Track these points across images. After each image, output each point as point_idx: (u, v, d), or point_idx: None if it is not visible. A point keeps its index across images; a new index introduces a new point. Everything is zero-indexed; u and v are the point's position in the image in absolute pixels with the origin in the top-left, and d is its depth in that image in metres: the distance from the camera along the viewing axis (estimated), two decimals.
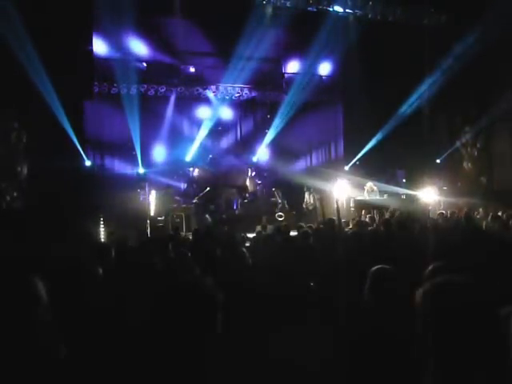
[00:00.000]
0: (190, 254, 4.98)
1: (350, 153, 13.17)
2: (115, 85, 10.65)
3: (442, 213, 8.13)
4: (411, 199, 11.37)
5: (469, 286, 1.53)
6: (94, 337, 2.18)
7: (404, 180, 12.59)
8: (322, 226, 6.07)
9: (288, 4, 11.17)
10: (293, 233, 6.73)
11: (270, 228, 7.43)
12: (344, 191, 11.55)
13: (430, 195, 11.51)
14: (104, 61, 9.83)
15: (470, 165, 13.00)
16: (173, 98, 11.60)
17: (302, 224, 6.83)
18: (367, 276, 2.60)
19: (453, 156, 13.11)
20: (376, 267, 2.49)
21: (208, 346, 1.62)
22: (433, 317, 1.50)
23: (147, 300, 2.34)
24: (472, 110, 12.08)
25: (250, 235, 7.28)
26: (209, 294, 1.62)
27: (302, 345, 2.51)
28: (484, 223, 6.60)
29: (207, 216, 9.97)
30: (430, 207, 10.90)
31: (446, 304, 1.50)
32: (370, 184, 11.10)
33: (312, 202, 11.43)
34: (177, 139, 11.77)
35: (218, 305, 1.63)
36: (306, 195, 11.52)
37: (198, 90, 11.74)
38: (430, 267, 2.73)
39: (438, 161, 13.21)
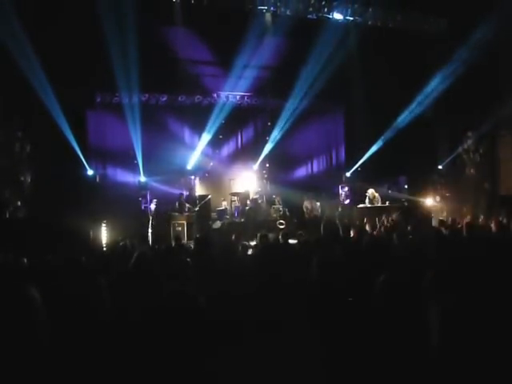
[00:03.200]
0: (191, 262, 4.99)
1: (351, 159, 13.16)
2: (117, 94, 10.73)
3: (443, 220, 8.10)
4: (413, 206, 11.33)
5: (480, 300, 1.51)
6: (92, 345, 2.19)
7: (406, 186, 12.56)
8: (322, 234, 6.07)
9: (288, 12, 11.24)
10: (293, 240, 6.72)
11: (270, 236, 7.42)
12: (344, 198, 11.56)
13: (432, 201, 11.49)
14: (106, 70, 9.89)
15: (472, 170, 12.96)
16: (174, 107, 11.66)
17: (302, 232, 6.82)
18: (370, 284, 2.60)
19: (455, 162, 13.07)
20: (381, 275, 2.49)
21: (199, 354, 1.63)
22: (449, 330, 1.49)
23: (142, 310, 2.35)
24: (474, 116, 12.06)
25: (252, 243, 7.27)
26: (191, 304, 1.64)
27: (301, 352, 2.51)
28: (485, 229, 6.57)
29: (209, 223, 10.01)
30: (432, 214, 10.87)
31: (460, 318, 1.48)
32: (371, 191, 11.08)
33: (313, 209, 11.41)
34: (178, 147, 11.80)
35: (201, 313, 1.63)
36: (307, 202, 11.51)
37: (198, 99, 11.80)
38: (430, 274, 2.73)
39: (440, 167, 13.18)
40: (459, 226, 7.13)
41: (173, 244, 7.33)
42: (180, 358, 1.59)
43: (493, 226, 6.66)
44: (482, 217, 8.70)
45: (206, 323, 1.71)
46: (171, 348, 1.61)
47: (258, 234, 6.28)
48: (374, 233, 6.86)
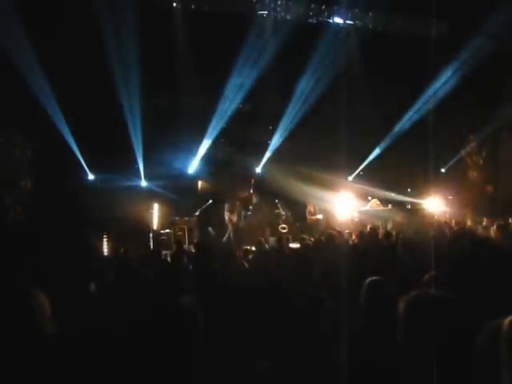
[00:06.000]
0: (191, 268, 4.96)
1: (353, 163, 13.12)
2: (118, 98, 10.70)
3: (446, 222, 8.04)
4: (416, 209, 11.31)
5: (443, 299, 1.57)
6: (91, 349, 2.17)
7: (409, 189, 12.51)
8: (322, 238, 6.03)
9: (288, 16, 11.25)
10: (295, 245, 6.70)
11: (271, 240, 7.40)
12: (348, 202, 11.53)
13: (434, 205, 11.44)
14: (107, 74, 9.89)
15: (475, 173, 12.90)
16: (175, 111, 11.64)
17: (304, 236, 6.79)
18: (363, 287, 2.58)
19: (458, 165, 13.01)
20: (370, 279, 2.49)
21: (192, 363, 1.60)
22: (410, 327, 1.54)
23: (137, 317, 2.32)
24: (476, 119, 12.02)
25: (253, 248, 7.24)
26: (184, 314, 1.60)
27: (298, 355, 2.49)
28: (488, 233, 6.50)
29: (210, 229, 9.99)
30: (435, 217, 10.81)
31: (421, 316, 1.55)
32: (374, 200, 11.15)
33: (316, 213, 11.39)
34: (179, 152, 11.79)
35: (195, 323, 1.60)
36: (310, 206, 11.48)
37: (199, 102, 11.78)
38: (426, 277, 2.71)
39: (442, 170, 13.12)
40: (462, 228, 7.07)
41: (174, 249, 7.31)
42: (170, 370, 1.55)
43: (495, 228, 6.59)
44: (484, 220, 8.62)
45: (201, 334, 1.67)
46: (161, 359, 1.58)
47: (257, 240, 6.27)
48: (377, 236, 6.81)
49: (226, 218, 10.72)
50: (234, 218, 10.80)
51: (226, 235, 10.37)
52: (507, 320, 1.38)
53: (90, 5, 9.10)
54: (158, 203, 10.78)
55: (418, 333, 1.56)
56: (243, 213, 11.40)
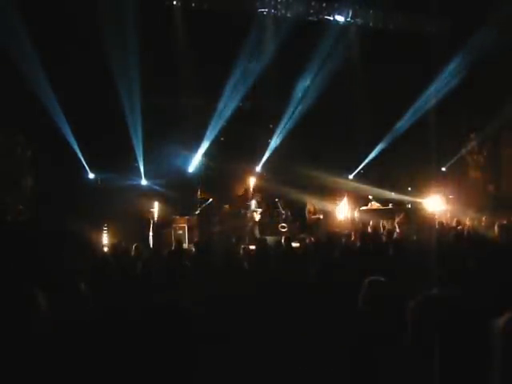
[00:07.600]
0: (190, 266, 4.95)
1: (353, 161, 13.11)
2: (118, 96, 10.69)
3: (442, 222, 8.06)
4: (416, 208, 11.32)
5: (455, 298, 1.61)
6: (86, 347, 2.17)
7: (409, 188, 12.50)
8: (322, 237, 6.03)
9: (288, 14, 11.23)
10: (295, 244, 6.69)
11: (271, 239, 7.39)
12: (349, 201, 11.55)
13: (435, 204, 11.44)
14: (107, 73, 9.88)
15: (476, 172, 12.88)
16: (175, 109, 11.63)
17: (304, 236, 6.79)
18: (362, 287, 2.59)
19: (458, 164, 12.99)
20: (369, 279, 2.49)
21: (191, 361, 1.60)
22: (422, 328, 1.57)
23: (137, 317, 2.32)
24: (477, 117, 11.99)
25: (252, 247, 7.24)
26: (184, 314, 1.61)
27: (299, 353, 2.49)
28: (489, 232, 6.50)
29: (211, 228, 10.00)
30: (436, 216, 10.81)
31: (434, 316, 1.59)
32: (373, 203, 11.19)
33: (316, 212, 11.39)
34: (180, 150, 11.78)
35: (195, 323, 1.61)
36: (310, 205, 11.47)
37: (200, 101, 11.77)
38: (426, 278, 2.70)
39: (443, 169, 13.09)
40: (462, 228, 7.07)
41: (173, 248, 7.31)
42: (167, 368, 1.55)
43: (495, 227, 6.59)
44: (484, 219, 8.61)
45: (201, 334, 1.68)
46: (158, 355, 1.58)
47: (258, 238, 6.26)
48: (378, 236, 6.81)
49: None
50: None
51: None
52: (502, 319, 1.40)
53: (90, 3, 9.10)
54: (158, 202, 10.77)
55: (427, 333, 1.59)
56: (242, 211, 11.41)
